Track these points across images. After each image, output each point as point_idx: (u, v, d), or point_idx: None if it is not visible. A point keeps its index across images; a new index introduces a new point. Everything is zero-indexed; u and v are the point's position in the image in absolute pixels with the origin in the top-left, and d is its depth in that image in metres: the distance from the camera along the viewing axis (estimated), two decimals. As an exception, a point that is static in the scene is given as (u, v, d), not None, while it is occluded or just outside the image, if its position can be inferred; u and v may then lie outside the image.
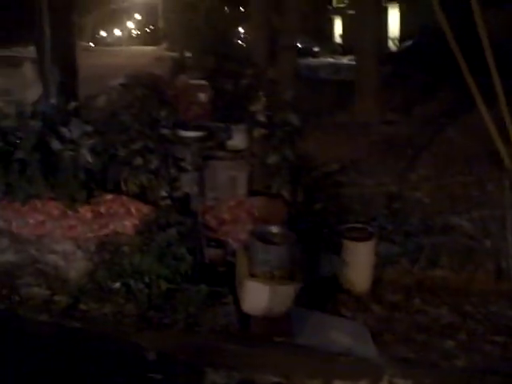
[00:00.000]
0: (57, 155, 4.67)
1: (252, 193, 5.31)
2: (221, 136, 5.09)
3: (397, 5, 30.70)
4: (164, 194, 4.82)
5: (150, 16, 68.57)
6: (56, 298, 4.48)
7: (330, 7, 40.93)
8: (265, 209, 5.15)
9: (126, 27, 78.10)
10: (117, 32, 72.69)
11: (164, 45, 59.34)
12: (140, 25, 75.48)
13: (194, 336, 4.30)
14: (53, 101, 4.98)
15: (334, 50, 35.32)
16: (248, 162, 5.23)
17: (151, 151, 4.83)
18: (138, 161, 4.80)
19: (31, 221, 5.03)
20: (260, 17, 8.88)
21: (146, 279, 4.49)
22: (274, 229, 4.70)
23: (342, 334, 4.82)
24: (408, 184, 8.97)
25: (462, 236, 7.26)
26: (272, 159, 5.22)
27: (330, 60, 30.25)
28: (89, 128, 4.78)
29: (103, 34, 66.31)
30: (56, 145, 4.67)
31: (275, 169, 5.28)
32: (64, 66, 5.71)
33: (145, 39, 70.77)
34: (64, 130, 4.73)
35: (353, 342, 4.73)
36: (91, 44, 47.27)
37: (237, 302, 4.61)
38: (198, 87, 5.07)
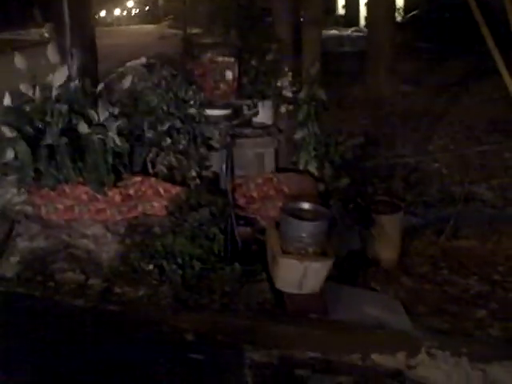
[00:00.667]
0: (84, 139, 4.65)
1: (279, 169, 5.28)
2: (247, 113, 5.06)
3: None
4: (193, 173, 4.79)
5: (149, -6, 68.09)
6: (90, 282, 4.48)
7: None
8: (293, 185, 5.13)
9: (126, 6, 77.59)
10: (116, 11, 72.19)
11: (165, 23, 59.04)
12: (139, 3, 74.93)
13: (231, 315, 4.30)
14: (76, 83, 4.92)
15: (337, 21, 35.02)
16: (275, 139, 5.20)
17: (179, 131, 4.80)
18: (166, 141, 4.77)
19: (60, 206, 5.02)
20: None
21: (179, 260, 4.49)
22: (306, 205, 4.69)
23: (375, 308, 4.82)
24: (426, 155, 8.95)
25: (482, 205, 7.23)
26: (299, 134, 5.19)
27: (335, 32, 29.97)
28: (116, 110, 4.75)
29: (102, 13, 65.82)
30: (83, 128, 4.64)
31: (302, 144, 5.25)
32: (84, 48, 5.66)
33: (145, 18, 70.32)
34: (91, 113, 4.70)
35: (387, 315, 4.73)
36: (91, 24, 46.95)
37: (270, 279, 4.62)
38: (224, 64, 5.02)
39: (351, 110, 10.41)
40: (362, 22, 37.58)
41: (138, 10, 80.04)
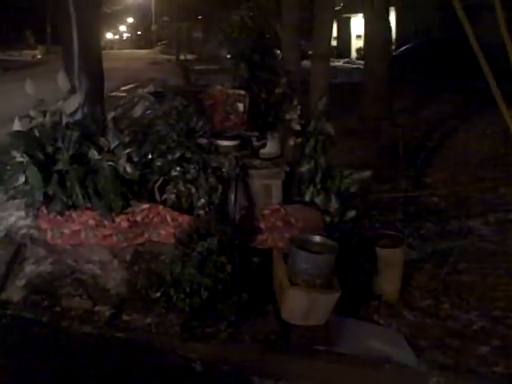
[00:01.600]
0: (94, 165, 4.67)
1: (286, 201, 5.32)
2: (255, 144, 5.11)
3: (393, 9, 30.82)
4: (202, 202, 4.81)
5: (142, 19, 68.75)
6: (97, 308, 4.47)
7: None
8: (300, 217, 5.16)
9: (118, 30, 78.22)
10: (109, 35, 72.71)
11: (157, 48, 59.54)
12: (131, 28, 75.58)
13: (238, 345, 4.30)
14: (86, 110, 4.96)
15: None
16: (282, 170, 5.24)
17: (189, 161, 4.83)
18: (176, 170, 4.80)
19: (66, 230, 5.02)
20: (292, 25, 8.86)
21: (187, 288, 4.48)
22: (313, 237, 4.72)
23: (380, 341, 4.82)
24: (423, 188, 9.04)
25: (479, 239, 7.28)
26: (305, 167, 5.24)
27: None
28: (126, 138, 4.78)
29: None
30: (93, 155, 4.67)
31: (308, 177, 5.30)
32: (91, 74, 5.69)
33: (137, 42, 70.91)
34: (102, 140, 4.73)
35: (391, 348, 4.73)
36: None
37: (276, 309, 4.63)
38: (235, 96, 5.08)
39: (349, 141, 10.49)
40: (354, 53, 38.14)
41: (129, 35, 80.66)
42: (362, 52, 37.15)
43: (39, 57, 41.07)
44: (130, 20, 72.94)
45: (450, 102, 14.88)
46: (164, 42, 58.92)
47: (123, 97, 14.08)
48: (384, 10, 11.84)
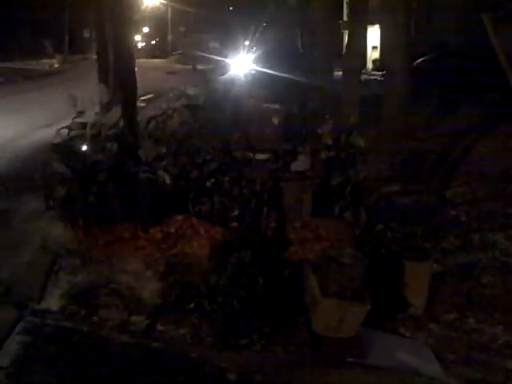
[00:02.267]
0: (132, 177, 4.78)
1: (316, 214, 5.40)
2: (287, 158, 5.21)
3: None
4: (235, 214, 4.92)
5: (157, 29, 69.09)
6: (133, 318, 4.56)
7: (341, 21, 41.06)
8: (330, 229, 5.25)
9: (134, 40, 78.45)
10: (124, 45, 72.88)
11: (172, 57, 59.83)
12: (147, 37, 75.88)
13: (271, 356, 4.38)
14: (122, 122, 5.07)
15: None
16: (313, 183, 5.33)
17: (224, 173, 4.94)
18: (211, 182, 4.91)
19: (101, 241, 5.12)
20: (326, 41, 8.96)
21: (220, 299, 4.57)
22: (345, 250, 4.80)
23: (408, 354, 4.89)
24: (443, 202, 9.08)
25: (500, 253, 7.32)
26: (336, 180, 5.33)
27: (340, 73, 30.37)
28: (163, 150, 4.90)
29: (110, 47, 66.40)
30: (132, 167, 4.78)
31: (338, 190, 5.39)
32: (125, 86, 5.81)
33: (152, 52, 71.18)
34: (140, 152, 4.84)
35: (419, 361, 4.80)
36: (100, 57, 47.39)
37: (307, 321, 4.71)
38: (271, 111, 5.18)
39: (371, 154, 10.52)
40: (370, 64, 38.15)
41: (144, 44, 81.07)
42: (378, 63, 37.28)
43: (56, 66, 41.41)
44: (146, 29, 73.29)
45: (467, 115, 14.87)
46: (180, 51, 59.23)
47: (144, 107, 14.26)
48: (405, 22, 11.87)
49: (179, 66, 45.32)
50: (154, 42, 76.75)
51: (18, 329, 4.19)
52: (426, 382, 4.41)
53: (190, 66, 40.31)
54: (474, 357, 5.13)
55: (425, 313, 5.75)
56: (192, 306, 4.64)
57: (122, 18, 5.80)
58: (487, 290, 6.28)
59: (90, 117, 5.00)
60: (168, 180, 4.77)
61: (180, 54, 56.91)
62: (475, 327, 5.63)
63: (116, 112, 4.95)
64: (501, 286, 6.34)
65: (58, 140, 4.94)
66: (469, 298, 6.14)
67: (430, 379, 4.47)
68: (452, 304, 6.02)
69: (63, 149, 4.88)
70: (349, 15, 10.37)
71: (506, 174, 10.07)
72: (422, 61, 22.78)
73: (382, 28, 21.07)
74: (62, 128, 5.02)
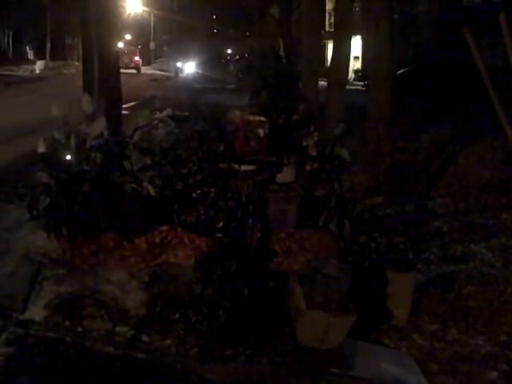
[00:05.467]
0: (117, 187, 4.77)
1: (300, 225, 5.42)
2: (272, 169, 5.23)
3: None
4: (220, 225, 4.93)
5: (140, 37, 69.04)
6: (118, 329, 4.54)
7: (324, 32, 41.28)
8: (315, 241, 5.27)
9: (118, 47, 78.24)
10: (105, 52, 72.74)
11: (154, 65, 59.90)
12: (129, 45, 75.69)
13: (256, 368, 4.38)
14: (106, 132, 5.06)
15: (326, 74, 35.64)
16: (297, 195, 5.36)
17: (209, 184, 4.95)
18: (196, 193, 4.91)
19: (85, 250, 5.10)
20: (311, 53, 8.99)
21: (205, 310, 4.57)
22: (330, 261, 4.82)
23: (392, 365, 4.91)
24: (425, 212, 9.18)
25: (481, 264, 7.40)
26: (320, 192, 5.36)
27: (324, 83, 30.58)
28: (148, 161, 4.90)
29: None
30: (117, 177, 4.77)
31: (323, 202, 5.42)
32: (111, 95, 5.81)
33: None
34: (126, 163, 4.83)
35: (403, 372, 4.83)
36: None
37: (292, 332, 4.72)
38: (256, 123, 5.21)
39: (353, 164, 10.60)
40: (351, 75, 38.38)
41: (126, 51, 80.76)
42: (360, 73, 37.54)
43: (37, 72, 41.28)
44: (128, 37, 73.15)
45: (448, 126, 15.07)
46: (162, 59, 59.33)
47: (127, 115, 14.22)
48: (389, 34, 12.02)
49: (161, 73, 45.58)
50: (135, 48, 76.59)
51: (0, 339, 4.15)
52: (411, 392, 4.42)
53: (172, 74, 41.42)
54: (457, 367, 5.16)
55: (408, 323, 5.79)
56: (177, 316, 4.63)
57: (107, 24, 5.80)
58: (469, 301, 6.33)
59: (74, 126, 4.97)
60: (152, 192, 4.77)
61: (162, 61, 57.40)
62: (458, 338, 5.67)
63: (101, 122, 4.93)
64: (482, 296, 6.40)
65: (42, 149, 4.91)
66: (451, 309, 6.19)
67: (415, 390, 4.48)
68: (435, 314, 6.06)
69: (47, 158, 4.85)
70: (334, 28, 10.45)
71: (487, 186, 10.21)
72: (404, 71, 23.06)
73: (363, 39, 21.28)
74: (46, 138, 4.99)
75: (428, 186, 10.14)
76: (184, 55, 47.90)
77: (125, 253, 5.11)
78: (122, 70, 6.62)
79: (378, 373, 4.70)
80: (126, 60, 42.30)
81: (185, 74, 41.18)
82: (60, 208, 4.69)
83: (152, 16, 62.88)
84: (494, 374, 5.12)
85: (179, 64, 46.08)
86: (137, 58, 49.76)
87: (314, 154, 5.39)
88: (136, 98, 20.97)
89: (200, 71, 42.84)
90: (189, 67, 44.69)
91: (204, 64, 46.18)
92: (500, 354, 5.44)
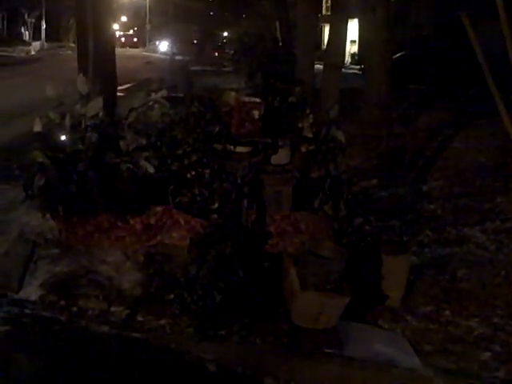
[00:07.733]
0: (113, 167, 4.76)
1: (295, 207, 5.43)
2: (268, 151, 5.22)
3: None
4: (215, 206, 4.92)
5: (135, 18, 68.67)
6: (113, 309, 4.55)
7: (320, 15, 41.10)
8: (310, 223, 5.28)
9: (113, 29, 77.83)
10: (101, 33, 72.28)
11: (150, 47, 59.63)
12: (125, 27, 75.27)
13: (250, 348, 4.40)
14: (103, 113, 5.05)
15: (322, 56, 35.52)
16: (293, 177, 5.35)
17: (204, 166, 4.94)
18: (191, 174, 4.91)
19: (80, 231, 5.10)
20: (307, 35, 8.96)
21: (200, 291, 4.58)
22: (325, 243, 4.84)
23: (385, 345, 4.94)
24: (420, 195, 9.19)
25: (475, 247, 7.43)
26: (315, 174, 5.36)
27: (320, 66, 30.49)
28: (143, 141, 4.89)
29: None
30: (112, 157, 4.76)
31: (318, 183, 5.42)
32: (106, 76, 5.78)
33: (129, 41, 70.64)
34: (122, 143, 4.82)
35: (397, 353, 4.86)
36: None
37: (287, 312, 4.74)
38: (251, 104, 5.19)
39: (349, 147, 10.60)
40: (348, 58, 38.26)
41: (121, 33, 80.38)
42: (356, 57, 37.42)
43: (33, 53, 41.09)
44: (124, 19, 72.68)
45: (445, 110, 15.03)
46: (158, 41, 59.04)
47: (122, 97, 14.15)
48: (385, 19, 11.97)
49: (157, 56, 45.46)
50: (131, 32, 76.28)
51: (-5, 319, 4.17)
52: (404, 372, 4.46)
53: (167, 56, 41.33)
54: (450, 348, 5.20)
55: (402, 305, 5.82)
56: (172, 296, 4.64)
57: (103, 5, 5.76)
58: (463, 283, 6.36)
59: (69, 106, 4.96)
60: (151, 169, 4.77)
61: (157, 43, 57.29)
62: (451, 319, 5.70)
63: (97, 102, 4.91)
64: (476, 279, 6.43)
65: (38, 129, 4.89)
66: (445, 291, 6.22)
67: (408, 370, 4.52)
68: (429, 296, 6.09)
69: (43, 137, 4.84)
70: (331, 11, 10.41)
71: (482, 170, 10.22)
72: (400, 55, 22.94)
73: (360, 23, 21.18)
74: (42, 117, 4.97)
75: (423, 170, 10.15)
76: (180, 38, 47.90)
77: (120, 233, 5.11)
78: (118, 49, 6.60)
79: (371, 353, 4.72)
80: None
81: (181, 57, 41.30)
82: (55, 187, 4.67)
83: (147, -3, 62.51)
84: (486, 355, 5.15)
85: (175, 46, 46.03)
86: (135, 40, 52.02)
87: (310, 135, 5.38)
88: (131, 80, 20.89)
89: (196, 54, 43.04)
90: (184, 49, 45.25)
91: (200, 46, 46.26)
92: (493, 336, 5.47)
